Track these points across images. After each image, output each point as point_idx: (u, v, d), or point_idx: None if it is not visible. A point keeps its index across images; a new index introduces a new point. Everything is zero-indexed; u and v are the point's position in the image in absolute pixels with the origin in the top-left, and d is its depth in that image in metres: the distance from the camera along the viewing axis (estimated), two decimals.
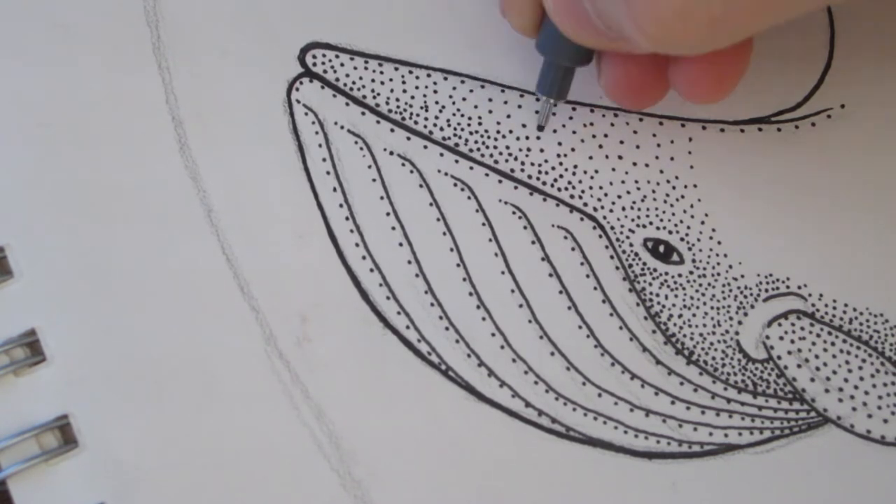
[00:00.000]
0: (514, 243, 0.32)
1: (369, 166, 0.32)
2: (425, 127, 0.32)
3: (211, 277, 0.30)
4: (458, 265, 0.31)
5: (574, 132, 0.33)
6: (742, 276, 0.32)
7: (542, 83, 0.31)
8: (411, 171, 0.32)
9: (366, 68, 0.33)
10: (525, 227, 0.32)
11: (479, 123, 0.32)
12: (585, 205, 0.32)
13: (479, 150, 0.32)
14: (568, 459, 0.30)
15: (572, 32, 0.28)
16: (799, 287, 0.32)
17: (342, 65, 0.33)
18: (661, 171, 0.33)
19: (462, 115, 0.32)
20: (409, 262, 0.31)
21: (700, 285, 0.32)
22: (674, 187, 0.32)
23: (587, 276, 0.31)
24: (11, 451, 0.28)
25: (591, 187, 0.32)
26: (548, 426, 0.30)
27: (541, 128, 0.32)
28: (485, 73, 0.33)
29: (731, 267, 0.32)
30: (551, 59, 0.30)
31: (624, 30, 0.26)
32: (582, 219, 0.32)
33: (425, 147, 0.32)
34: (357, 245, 0.31)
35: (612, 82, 0.30)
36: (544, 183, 0.32)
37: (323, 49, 0.33)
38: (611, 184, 0.32)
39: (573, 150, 0.32)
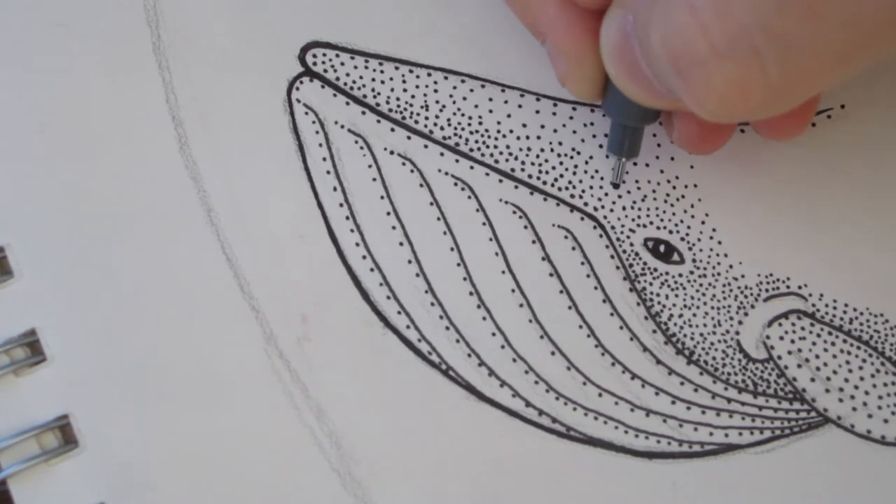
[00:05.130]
0: (514, 243, 0.32)
1: (369, 166, 0.32)
2: (425, 126, 0.32)
3: (211, 277, 0.30)
4: (458, 265, 0.31)
5: (574, 132, 0.33)
6: (742, 276, 0.32)
7: (613, 143, 0.31)
8: (412, 171, 0.32)
9: (366, 67, 0.33)
10: (525, 227, 0.32)
11: (480, 123, 0.32)
12: (586, 204, 0.32)
13: (479, 149, 0.32)
14: (568, 459, 0.30)
15: (638, 97, 0.28)
16: (799, 287, 0.32)
17: (342, 64, 0.33)
18: (662, 171, 0.33)
19: (462, 115, 0.32)
20: (410, 262, 0.31)
21: (700, 285, 0.32)
22: (674, 187, 0.32)
23: (587, 275, 0.31)
24: (11, 451, 0.28)
25: (591, 187, 0.32)
26: (548, 426, 0.30)
27: (615, 185, 0.32)
28: (485, 73, 0.33)
29: (731, 267, 0.32)
30: (619, 120, 0.30)
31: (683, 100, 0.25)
32: (582, 218, 0.32)
33: (426, 146, 0.32)
34: (357, 245, 0.31)
35: (686, 136, 0.30)
36: (544, 182, 0.32)
37: (323, 48, 0.33)
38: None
39: (573, 149, 0.32)
